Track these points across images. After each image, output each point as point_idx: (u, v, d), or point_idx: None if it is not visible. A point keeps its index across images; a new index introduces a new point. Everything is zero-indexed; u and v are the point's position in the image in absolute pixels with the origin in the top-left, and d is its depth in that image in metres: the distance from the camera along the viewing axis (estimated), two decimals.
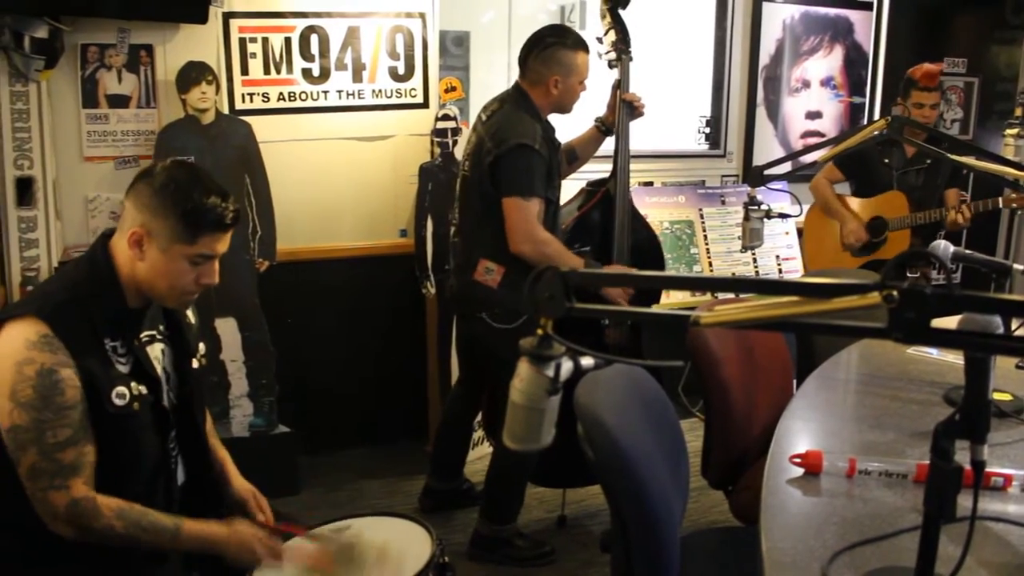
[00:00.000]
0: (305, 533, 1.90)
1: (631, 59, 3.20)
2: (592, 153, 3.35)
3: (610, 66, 3.21)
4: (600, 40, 3.21)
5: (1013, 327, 2.15)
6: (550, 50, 2.97)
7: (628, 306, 3.06)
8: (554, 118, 3.08)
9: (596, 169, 3.48)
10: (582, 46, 3.01)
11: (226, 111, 3.50)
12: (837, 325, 1.06)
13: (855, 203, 4.10)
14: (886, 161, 3.98)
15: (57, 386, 1.61)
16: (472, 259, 3.00)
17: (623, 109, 3.16)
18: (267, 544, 1.79)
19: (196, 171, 1.81)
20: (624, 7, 3.20)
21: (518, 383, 1.22)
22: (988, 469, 1.66)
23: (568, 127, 3.28)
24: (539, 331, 1.20)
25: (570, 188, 3.33)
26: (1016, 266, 2.10)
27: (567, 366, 1.22)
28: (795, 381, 2.76)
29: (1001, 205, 3.58)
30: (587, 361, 1.25)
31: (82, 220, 3.42)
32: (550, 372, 1.20)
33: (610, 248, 3.16)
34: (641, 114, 3.23)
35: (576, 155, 3.32)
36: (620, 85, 3.18)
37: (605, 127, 3.28)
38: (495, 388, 3.24)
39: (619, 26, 3.19)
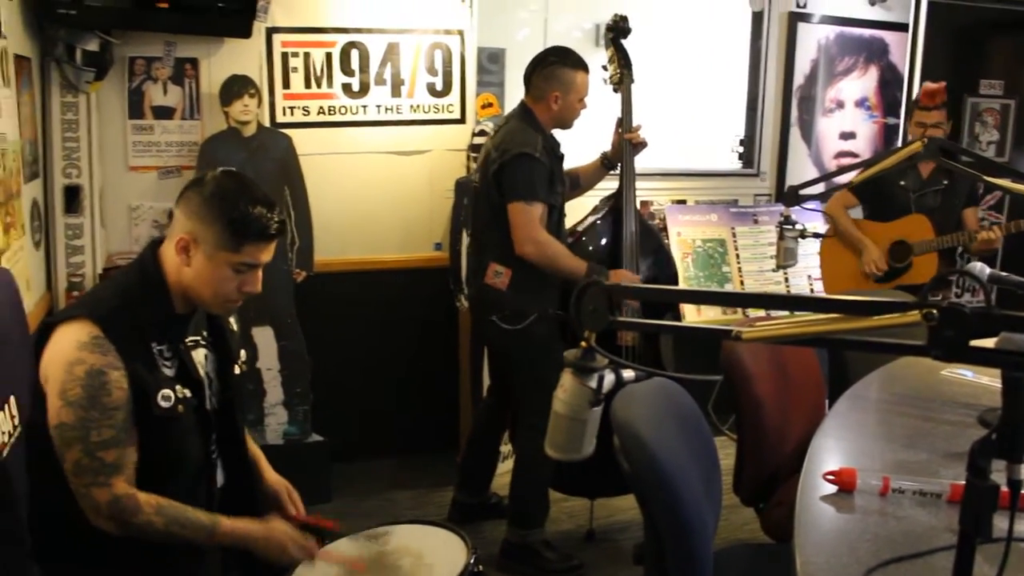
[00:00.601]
0: (336, 526, 1.94)
1: (632, 82, 3.37)
2: (595, 183, 3.49)
3: (614, 90, 3.38)
4: (605, 68, 3.41)
5: None
6: (551, 68, 3.13)
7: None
8: (561, 138, 3.23)
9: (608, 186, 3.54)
10: (582, 66, 3.16)
11: (267, 124, 3.58)
12: (877, 342, 1.09)
13: (875, 228, 3.98)
14: (902, 183, 3.88)
15: (105, 387, 1.66)
16: (482, 264, 3.13)
17: (626, 146, 3.31)
18: (301, 543, 1.83)
19: (244, 181, 1.86)
20: (625, 37, 3.40)
21: (561, 394, 1.25)
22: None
23: (572, 146, 3.38)
24: (583, 343, 1.24)
25: (576, 209, 3.46)
26: None
27: (609, 378, 1.25)
28: (827, 400, 2.77)
29: (1012, 230, 3.54)
30: (628, 374, 1.28)
31: (125, 228, 3.50)
32: (593, 384, 1.23)
33: (618, 263, 3.26)
34: (643, 147, 3.36)
35: (579, 183, 3.44)
36: (622, 112, 3.34)
37: (609, 162, 3.41)
38: (512, 391, 3.28)
39: (621, 54, 3.38)
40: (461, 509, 3.50)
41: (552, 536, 3.31)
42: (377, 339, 3.95)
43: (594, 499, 3.48)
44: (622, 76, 3.35)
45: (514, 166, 2.99)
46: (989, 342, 1.13)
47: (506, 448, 3.72)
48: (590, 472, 3.24)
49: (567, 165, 3.29)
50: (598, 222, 3.36)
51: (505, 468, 3.72)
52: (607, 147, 3.41)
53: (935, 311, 1.01)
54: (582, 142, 3.43)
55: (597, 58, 3.51)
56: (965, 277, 2.94)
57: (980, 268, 2.13)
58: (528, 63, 3.21)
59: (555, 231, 3.09)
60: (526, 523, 3.19)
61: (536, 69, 3.16)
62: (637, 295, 1.64)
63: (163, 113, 3.49)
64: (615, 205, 3.35)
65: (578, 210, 3.48)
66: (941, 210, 3.90)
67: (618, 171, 3.36)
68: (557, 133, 3.20)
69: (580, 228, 3.37)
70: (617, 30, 3.38)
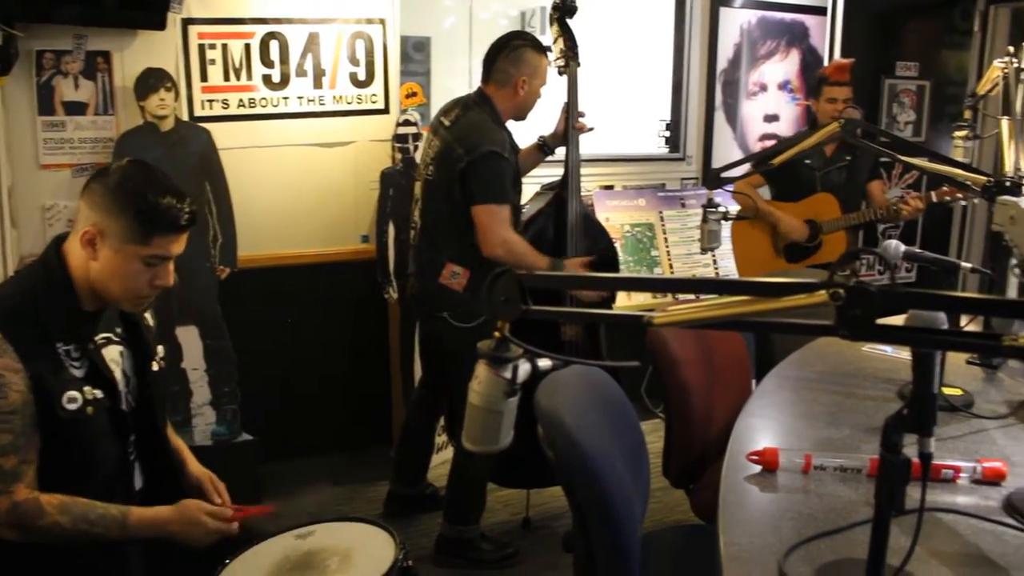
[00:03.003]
0: (261, 513, 1.91)
1: (579, 65, 3.27)
2: (531, 168, 3.39)
3: (559, 73, 3.27)
4: (549, 49, 3.26)
5: (963, 323, 2.21)
6: (520, 51, 3.03)
7: (594, 304, 3.12)
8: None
9: (552, 173, 3.49)
10: (544, 51, 3.09)
11: (185, 118, 3.48)
12: (787, 323, 1.09)
13: (783, 208, 4.06)
14: (807, 162, 3.96)
15: (0, 390, 1.59)
16: (437, 263, 3.02)
17: (573, 134, 3.23)
18: (216, 514, 1.79)
19: (152, 171, 1.78)
20: (571, 16, 3.28)
21: (476, 385, 1.24)
22: (939, 462, 1.71)
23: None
24: (496, 334, 1.22)
25: (525, 190, 3.35)
26: (964, 264, 2.15)
27: (524, 368, 1.24)
28: (754, 380, 2.80)
29: (935, 199, 3.65)
30: (544, 363, 1.27)
31: (39, 229, 3.37)
32: (507, 374, 1.22)
33: (563, 253, 3.20)
34: (586, 130, 3.29)
35: None
36: (568, 95, 3.24)
37: (548, 147, 3.34)
38: (456, 390, 3.26)
39: (567, 35, 3.26)
40: (397, 501, 3.47)
41: (488, 526, 3.30)
42: (305, 334, 3.89)
43: (530, 489, 3.48)
44: (568, 60, 3.23)
45: (484, 165, 2.87)
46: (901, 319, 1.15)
47: (441, 439, 3.70)
48: (526, 463, 3.26)
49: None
50: (542, 211, 3.26)
51: (440, 459, 3.70)
52: (546, 131, 3.34)
53: (841, 291, 1.01)
54: (519, 125, 3.32)
55: None
56: (872, 256, 2.99)
57: (895, 246, 2.17)
58: (489, 47, 3.09)
59: (515, 228, 3.01)
60: (463, 520, 3.17)
61: (501, 53, 3.04)
62: (545, 283, 1.61)
63: (75, 108, 3.36)
64: (559, 193, 3.26)
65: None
66: (846, 187, 3.99)
67: (562, 158, 3.26)
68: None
69: (524, 218, 3.25)
70: (563, 9, 3.25)
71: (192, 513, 1.77)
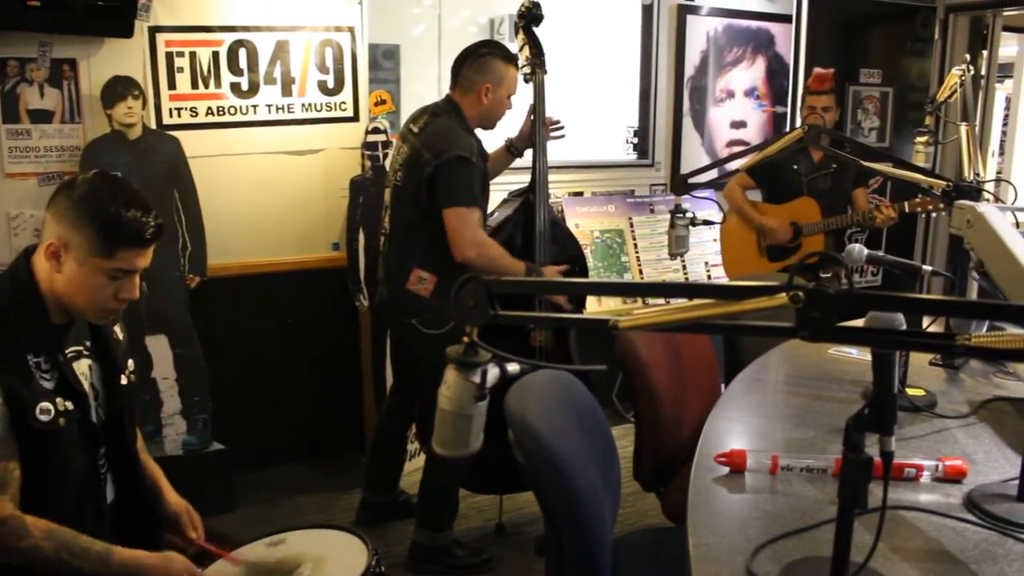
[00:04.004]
0: (230, 557, 1.87)
1: (545, 73, 3.28)
2: (500, 171, 3.40)
3: (525, 80, 3.28)
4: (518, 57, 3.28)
5: (925, 324, 2.25)
6: (484, 59, 3.04)
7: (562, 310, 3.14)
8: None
9: (519, 180, 3.50)
10: (513, 61, 3.10)
11: (153, 126, 3.47)
12: (749, 325, 1.12)
13: (768, 210, 4.22)
14: (795, 167, 4.11)
15: None
16: (404, 268, 3.02)
17: (540, 138, 3.23)
18: (197, 572, 1.77)
19: (118, 183, 1.77)
20: (537, 25, 3.30)
21: (445, 390, 1.25)
22: (901, 460, 1.74)
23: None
24: (464, 339, 1.23)
25: (492, 197, 3.37)
26: (925, 267, 2.20)
27: (493, 372, 1.25)
28: (723, 383, 2.83)
29: (907, 209, 3.73)
30: (513, 367, 1.29)
31: (4, 238, 3.34)
32: (476, 378, 1.23)
33: (532, 258, 3.21)
34: (554, 136, 3.31)
35: None
36: (535, 102, 3.25)
37: (515, 149, 3.36)
38: (427, 397, 3.26)
39: (533, 42, 3.27)
40: (370, 509, 3.47)
41: (462, 532, 3.31)
42: (276, 342, 3.88)
43: (503, 494, 3.49)
44: (534, 67, 3.24)
45: (451, 170, 2.88)
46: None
47: (413, 446, 3.70)
48: (499, 469, 3.26)
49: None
50: (510, 218, 3.26)
51: (413, 466, 3.70)
52: (513, 134, 3.36)
53: (800, 293, 1.04)
54: (487, 132, 3.33)
55: None
56: (826, 261, 3.05)
57: (858, 250, 2.21)
58: (458, 55, 3.10)
59: None
60: (436, 526, 3.16)
61: (467, 60, 3.06)
62: (511, 288, 1.61)
63: (41, 117, 3.34)
64: (527, 200, 3.26)
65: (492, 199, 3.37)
66: (831, 192, 4.10)
67: (530, 164, 3.26)
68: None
69: (492, 224, 3.25)
70: (529, 17, 3.26)
71: (177, 568, 1.73)
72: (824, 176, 4.11)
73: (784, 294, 1.04)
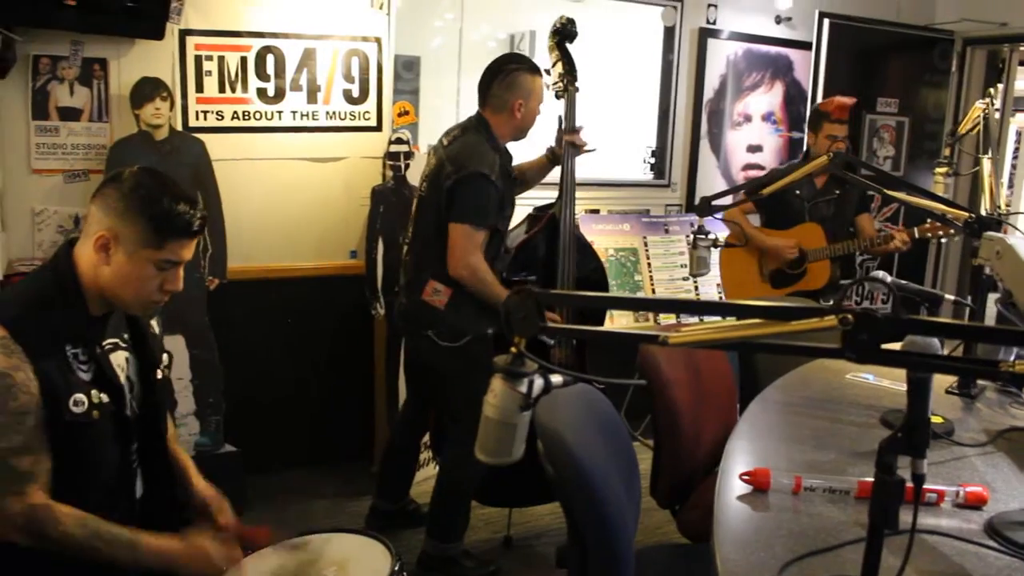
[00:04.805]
0: (264, 537, 1.90)
1: (577, 90, 3.29)
2: (539, 180, 3.43)
3: (557, 97, 3.30)
4: (548, 72, 3.29)
5: (947, 351, 2.27)
6: (513, 75, 3.07)
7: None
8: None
9: (543, 195, 3.54)
10: (538, 71, 3.13)
11: (180, 128, 3.50)
12: (797, 345, 1.14)
13: (772, 235, 4.14)
14: (798, 192, 4.04)
15: (10, 391, 1.60)
16: (421, 279, 3.05)
17: (567, 146, 3.25)
18: (224, 552, 1.79)
19: (164, 178, 1.81)
20: (571, 41, 3.31)
21: (492, 399, 1.27)
22: (923, 486, 1.76)
23: (521, 151, 3.36)
24: (513, 349, 1.26)
25: (517, 213, 3.40)
26: (948, 296, 2.22)
27: (538, 383, 1.28)
28: (738, 404, 2.85)
29: (917, 235, 3.73)
30: (556, 379, 1.31)
31: (28, 233, 3.37)
32: (523, 388, 1.26)
33: (555, 273, 3.24)
34: (585, 151, 3.31)
35: (525, 179, 3.39)
36: (565, 118, 3.27)
37: (555, 157, 3.36)
38: (441, 408, 3.29)
39: (566, 58, 3.29)
40: (380, 516, 3.48)
41: (470, 544, 3.32)
42: (291, 347, 3.90)
43: (512, 508, 3.51)
44: (567, 84, 3.25)
45: (469, 185, 2.90)
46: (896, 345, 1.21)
47: (425, 455, 3.72)
48: (510, 482, 3.29)
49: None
50: (538, 232, 3.28)
51: (424, 475, 3.72)
52: (551, 143, 3.36)
53: (850, 316, 1.07)
54: (525, 141, 3.30)
55: None
56: (873, 283, 3.06)
57: (883, 276, 2.24)
58: (484, 72, 3.12)
59: (494, 252, 3.04)
60: (446, 537, 3.18)
61: (496, 78, 3.07)
62: (562, 302, 1.65)
63: (69, 114, 3.38)
64: (553, 215, 3.28)
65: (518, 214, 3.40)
66: (834, 218, 4.08)
67: (556, 179, 3.29)
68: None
69: (517, 242, 3.27)
70: (563, 33, 3.28)
71: (202, 550, 1.76)
72: (827, 202, 4.08)
73: (834, 316, 1.07)
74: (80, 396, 1.70)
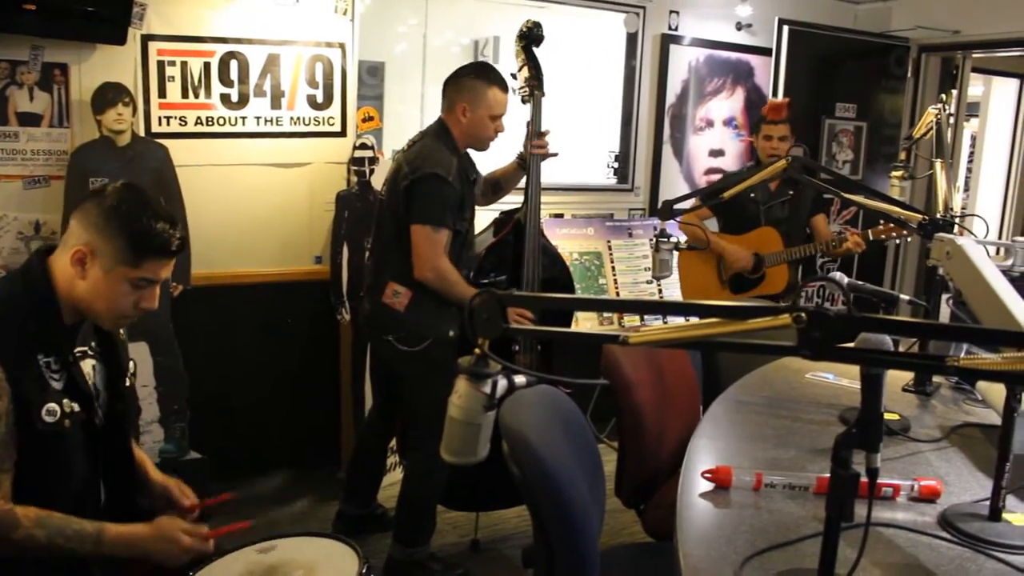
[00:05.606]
0: (230, 498, 1.96)
1: (543, 95, 3.30)
2: (514, 185, 3.44)
3: (523, 101, 3.31)
4: (514, 76, 3.30)
5: (902, 349, 2.33)
6: (461, 79, 3.10)
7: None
8: (479, 154, 3.21)
9: (508, 200, 3.56)
10: (498, 83, 3.11)
11: (142, 133, 3.48)
12: (754, 344, 1.17)
13: (729, 241, 4.14)
14: (752, 195, 4.05)
15: None
16: (381, 281, 3.07)
17: (532, 158, 3.26)
18: (192, 531, 1.80)
19: (146, 196, 1.80)
20: (537, 45, 3.32)
21: (456, 399, 1.29)
22: (879, 480, 1.80)
23: (492, 159, 3.40)
24: (476, 350, 1.28)
25: (484, 217, 3.43)
26: (902, 296, 2.28)
27: (502, 384, 1.30)
28: (701, 404, 2.89)
29: (871, 237, 3.79)
30: (520, 379, 1.33)
31: None
32: (487, 389, 1.28)
33: (521, 276, 3.26)
34: (548, 155, 3.32)
35: (500, 185, 3.43)
36: (531, 123, 3.28)
37: (524, 162, 3.37)
38: (406, 412, 3.30)
39: (532, 63, 3.29)
40: (347, 521, 3.47)
41: (437, 547, 3.33)
42: (256, 353, 3.89)
43: (479, 511, 3.52)
44: (532, 88, 3.25)
45: (425, 186, 2.91)
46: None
47: (392, 459, 3.72)
48: (475, 487, 3.30)
49: (485, 169, 3.29)
50: (502, 238, 3.30)
51: (390, 480, 3.72)
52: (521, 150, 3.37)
53: (803, 315, 1.10)
54: (495, 148, 3.30)
55: None
56: (829, 285, 3.11)
57: (840, 277, 2.29)
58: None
59: (457, 254, 3.04)
60: (412, 542, 3.18)
61: (449, 80, 3.13)
62: (525, 303, 1.68)
63: (29, 120, 3.34)
64: (518, 220, 3.30)
65: (485, 218, 3.46)
66: (789, 220, 4.12)
67: (522, 184, 3.31)
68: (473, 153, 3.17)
69: (483, 247, 3.28)
70: (530, 37, 3.28)
71: (169, 532, 1.77)
72: (781, 204, 4.11)
73: (788, 315, 1.10)
74: (52, 405, 1.69)
